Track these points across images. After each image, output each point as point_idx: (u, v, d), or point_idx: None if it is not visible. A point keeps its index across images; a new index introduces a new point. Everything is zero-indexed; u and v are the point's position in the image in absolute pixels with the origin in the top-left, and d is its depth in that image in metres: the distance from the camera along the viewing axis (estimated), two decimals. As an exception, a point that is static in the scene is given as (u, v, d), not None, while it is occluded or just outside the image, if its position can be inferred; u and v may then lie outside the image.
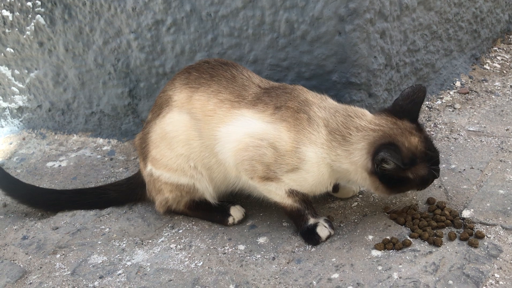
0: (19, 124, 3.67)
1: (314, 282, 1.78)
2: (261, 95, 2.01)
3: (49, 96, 3.47)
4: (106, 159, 3.13)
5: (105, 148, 3.26)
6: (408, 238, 1.91)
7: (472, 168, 2.26)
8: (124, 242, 2.23)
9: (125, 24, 2.90)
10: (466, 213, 1.98)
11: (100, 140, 3.34)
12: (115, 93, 3.15)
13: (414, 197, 2.16)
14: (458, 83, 3.02)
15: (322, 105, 1.97)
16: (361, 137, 1.88)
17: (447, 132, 2.57)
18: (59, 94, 3.41)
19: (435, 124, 2.65)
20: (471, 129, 2.58)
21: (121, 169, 2.97)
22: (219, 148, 2.02)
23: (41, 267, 2.14)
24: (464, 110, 2.78)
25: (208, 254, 2.05)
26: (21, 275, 2.11)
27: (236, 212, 2.22)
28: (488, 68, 3.26)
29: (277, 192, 2.01)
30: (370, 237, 1.97)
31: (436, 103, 2.85)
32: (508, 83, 3.02)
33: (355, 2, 2.27)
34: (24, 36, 3.29)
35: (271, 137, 1.91)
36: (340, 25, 2.33)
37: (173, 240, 2.19)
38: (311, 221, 2.02)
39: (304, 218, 2.03)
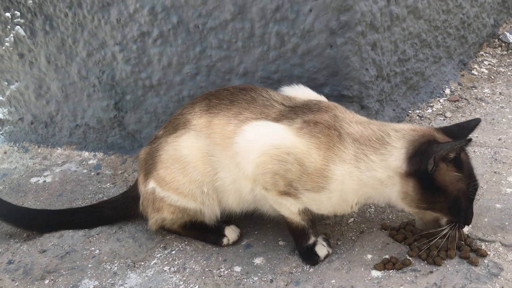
0: (-1, 137, 3.56)
1: (315, 306, 1.75)
2: (286, 112, 1.93)
3: (31, 109, 3.37)
4: (92, 173, 3.05)
5: (91, 162, 3.18)
6: (408, 257, 1.88)
7: (467, 181, 2.24)
8: (116, 264, 2.17)
9: (109, 35, 2.81)
10: (464, 229, 1.96)
11: (86, 154, 3.25)
12: (100, 106, 3.07)
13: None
14: (447, 91, 3.01)
15: (353, 120, 1.88)
16: (401, 136, 1.79)
17: (440, 143, 2.55)
18: (41, 106, 3.31)
19: (427, 134, 2.64)
20: (464, 139, 2.57)
21: (108, 184, 2.90)
22: (239, 159, 1.91)
23: (29, 295, 2.07)
24: (455, 119, 2.77)
25: (203, 277, 1.99)
26: (8, 304, 2.03)
27: (231, 233, 2.17)
28: (476, 73, 3.26)
29: (290, 208, 1.94)
30: (369, 256, 1.94)
31: (427, 111, 2.84)
32: (497, 90, 3.03)
33: (347, 15, 2.24)
34: (3, 48, 3.18)
35: (299, 152, 1.81)
36: (331, 38, 2.29)
37: (166, 262, 2.13)
38: (312, 240, 1.98)
39: (306, 237, 1.98)
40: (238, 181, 1.99)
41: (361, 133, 1.83)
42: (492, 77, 3.22)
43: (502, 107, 2.84)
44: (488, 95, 2.98)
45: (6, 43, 3.16)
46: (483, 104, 2.89)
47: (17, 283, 2.13)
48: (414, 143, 1.76)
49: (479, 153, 2.44)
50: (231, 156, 1.95)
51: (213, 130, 2.00)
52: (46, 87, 3.23)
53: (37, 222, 2.44)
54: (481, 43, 3.58)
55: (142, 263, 2.15)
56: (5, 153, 3.49)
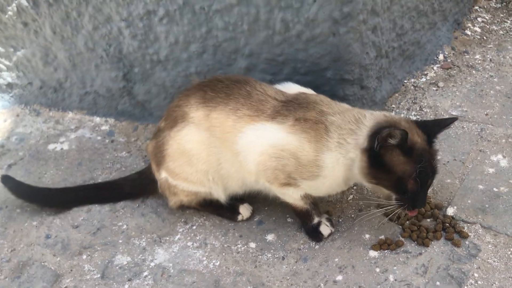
0: (9, 99, 3.69)
1: (322, 284, 2.07)
2: (280, 108, 2.13)
3: (39, 75, 3.47)
4: (107, 141, 3.24)
5: (103, 127, 3.35)
6: (401, 238, 2.18)
7: (455, 160, 2.49)
8: (143, 240, 2.45)
9: (115, 11, 2.87)
10: (450, 211, 2.24)
11: (97, 119, 3.41)
12: (108, 76, 3.19)
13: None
14: (441, 56, 3.15)
15: (336, 110, 2.09)
16: (373, 118, 2.04)
17: (432, 117, 2.76)
18: (49, 73, 3.41)
19: (420, 107, 2.84)
20: (454, 113, 2.76)
21: (123, 153, 3.10)
22: (242, 158, 2.17)
23: (71, 270, 2.35)
24: (447, 89, 2.95)
25: (223, 254, 2.29)
26: (55, 279, 2.32)
27: (244, 211, 2.45)
28: (469, 33, 3.38)
29: (292, 196, 2.23)
30: (367, 236, 2.24)
31: (421, 80, 3.01)
32: (488, 56, 3.18)
33: (349, 6, 2.33)
34: (6, 16, 3.22)
35: (292, 147, 2.06)
36: (334, 27, 2.40)
37: (188, 238, 2.41)
38: (316, 220, 2.28)
39: (310, 218, 2.28)
40: (242, 172, 2.26)
41: (343, 119, 2.06)
42: (485, 37, 3.35)
43: (491, 76, 3.01)
44: (479, 61, 3.14)
45: (9, 12, 3.19)
46: (474, 72, 3.06)
47: (58, 258, 2.41)
48: (380, 124, 1.99)
49: (467, 129, 2.66)
50: (233, 151, 2.19)
51: (212, 124, 2.20)
52: (53, 55, 3.31)
53: (61, 201, 2.70)
54: (476, -2, 3.65)
55: (167, 238, 2.43)
56: (17, 115, 3.63)
